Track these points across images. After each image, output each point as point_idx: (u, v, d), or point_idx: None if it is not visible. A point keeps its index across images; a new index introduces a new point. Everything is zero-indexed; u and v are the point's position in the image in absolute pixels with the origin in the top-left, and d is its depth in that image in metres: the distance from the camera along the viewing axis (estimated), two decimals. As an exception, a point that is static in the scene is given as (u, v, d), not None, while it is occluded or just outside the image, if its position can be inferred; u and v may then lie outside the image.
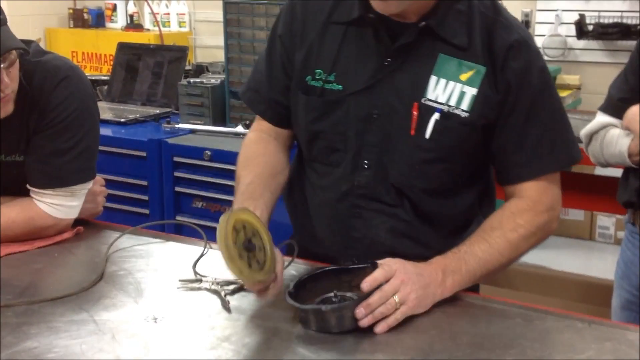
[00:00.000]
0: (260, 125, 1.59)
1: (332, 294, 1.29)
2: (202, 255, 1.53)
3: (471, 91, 1.37)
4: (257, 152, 1.54)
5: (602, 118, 1.90)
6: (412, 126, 1.38)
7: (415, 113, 1.38)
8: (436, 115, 1.38)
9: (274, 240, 1.30)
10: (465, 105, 1.37)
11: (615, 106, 1.86)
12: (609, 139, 1.86)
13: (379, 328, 1.21)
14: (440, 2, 1.37)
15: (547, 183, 1.43)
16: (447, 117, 1.38)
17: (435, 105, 1.38)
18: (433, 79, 1.38)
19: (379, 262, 1.29)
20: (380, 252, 1.38)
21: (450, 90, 1.37)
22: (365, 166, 1.43)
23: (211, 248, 1.57)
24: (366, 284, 1.22)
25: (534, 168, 1.42)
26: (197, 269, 1.46)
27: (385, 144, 1.41)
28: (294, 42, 1.48)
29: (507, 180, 1.45)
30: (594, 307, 2.80)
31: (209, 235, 1.61)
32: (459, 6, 1.38)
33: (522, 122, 1.39)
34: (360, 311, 1.20)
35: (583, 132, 1.94)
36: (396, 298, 1.23)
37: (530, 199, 1.42)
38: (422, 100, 1.38)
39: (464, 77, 1.37)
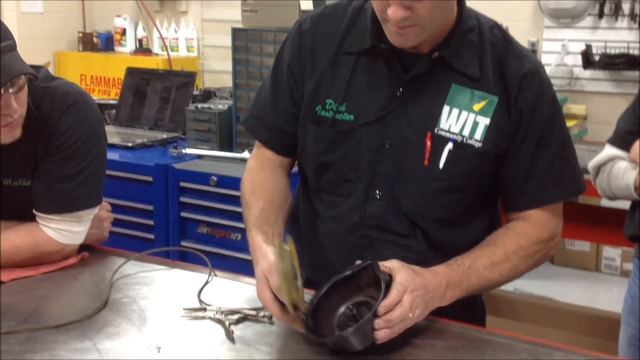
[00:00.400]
0: (262, 152, 1.58)
1: (346, 309, 1.27)
2: (206, 283, 1.52)
3: (484, 121, 1.38)
4: (265, 179, 1.53)
5: (610, 150, 1.90)
6: (426, 156, 1.39)
7: (428, 143, 1.38)
8: (450, 146, 1.38)
9: None
10: (478, 135, 1.38)
11: (624, 139, 1.86)
12: (615, 172, 1.85)
13: (382, 334, 1.20)
14: (452, 33, 1.38)
15: (552, 211, 1.45)
16: (461, 147, 1.38)
17: (448, 135, 1.38)
18: (446, 109, 1.38)
19: (388, 270, 1.26)
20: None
21: (464, 121, 1.38)
22: (377, 197, 1.43)
23: (216, 276, 1.57)
24: (384, 308, 1.21)
25: (541, 196, 1.43)
26: (201, 297, 1.46)
27: (398, 174, 1.41)
28: (303, 71, 1.47)
29: (514, 208, 1.46)
30: (601, 340, 2.77)
31: (214, 263, 1.61)
32: (471, 37, 1.39)
33: (532, 151, 1.40)
34: (379, 323, 1.19)
35: (591, 164, 1.94)
36: (410, 314, 1.23)
37: (535, 224, 1.44)
38: (436, 131, 1.39)
39: (477, 107, 1.38)
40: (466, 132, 1.38)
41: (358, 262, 1.31)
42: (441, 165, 1.38)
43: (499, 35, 1.42)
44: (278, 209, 1.46)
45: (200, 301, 1.44)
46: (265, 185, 1.50)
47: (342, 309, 1.28)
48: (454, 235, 1.46)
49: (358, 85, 1.42)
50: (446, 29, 1.37)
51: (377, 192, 1.43)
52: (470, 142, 1.38)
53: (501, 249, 1.40)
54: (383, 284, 1.23)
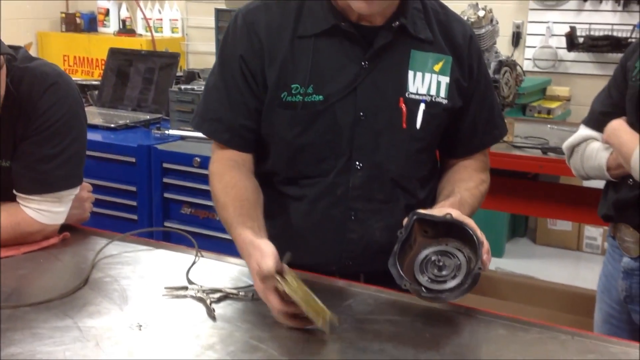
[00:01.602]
0: (223, 154, 1.54)
1: (425, 266, 1.28)
2: (193, 263, 1.53)
3: (445, 79, 1.49)
4: (234, 179, 1.49)
5: (583, 131, 1.91)
6: (403, 119, 1.46)
7: (403, 107, 1.46)
8: (422, 106, 1.48)
9: None
10: (443, 92, 1.49)
11: (597, 120, 1.87)
12: (589, 153, 1.87)
13: (488, 264, 1.27)
14: (402, 3, 1.46)
15: (487, 151, 1.65)
16: (432, 106, 1.48)
17: (418, 97, 1.48)
18: (411, 73, 1.47)
19: (450, 213, 1.30)
20: (375, 251, 1.46)
21: (429, 82, 1.48)
22: (358, 167, 1.47)
23: (202, 256, 1.57)
24: (481, 237, 1.27)
25: (485, 141, 1.62)
26: (183, 277, 1.46)
27: (376, 143, 1.47)
28: (261, 62, 1.46)
29: (459, 155, 1.59)
30: (580, 317, 2.81)
31: (198, 243, 1.61)
32: (416, 5, 1.50)
33: (479, 103, 1.56)
34: (487, 257, 1.26)
35: (565, 144, 1.96)
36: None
37: (482, 161, 1.61)
38: (407, 95, 1.47)
39: (436, 67, 1.49)
40: (433, 92, 1.49)
41: (405, 222, 1.32)
42: (418, 125, 1.47)
43: (435, 3, 1.55)
44: (255, 204, 1.46)
45: (189, 280, 1.44)
46: (236, 185, 1.48)
47: (416, 268, 1.28)
48: (429, 191, 1.56)
49: (322, 65, 1.45)
50: (397, 1, 1.45)
51: (357, 163, 1.47)
52: (438, 99, 1.49)
53: (471, 183, 1.53)
54: (466, 227, 1.27)
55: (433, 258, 1.28)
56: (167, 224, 2.94)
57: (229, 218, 1.42)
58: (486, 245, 1.26)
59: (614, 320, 1.92)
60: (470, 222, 1.29)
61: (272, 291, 1.24)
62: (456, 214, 1.30)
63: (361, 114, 1.45)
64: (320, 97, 1.45)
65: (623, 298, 1.87)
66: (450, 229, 1.30)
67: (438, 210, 1.33)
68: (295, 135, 1.47)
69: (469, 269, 1.25)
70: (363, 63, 1.45)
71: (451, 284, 1.24)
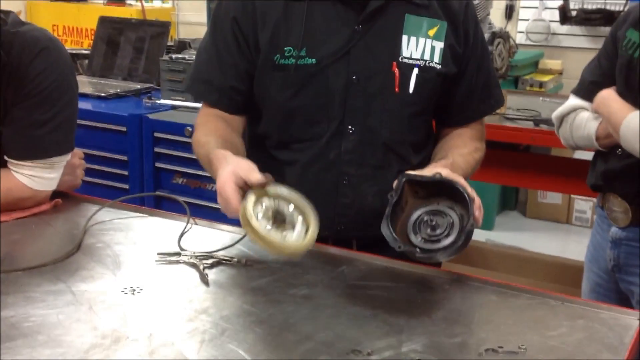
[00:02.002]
0: (210, 111, 1.54)
1: (418, 225, 1.28)
2: (186, 229, 1.53)
3: (439, 45, 1.49)
4: (220, 127, 1.50)
5: (573, 101, 1.91)
6: (396, 83, 1.46)
7: (396, 71, 1.46)
8: (416, 71, 1.47)
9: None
10: (437, 58, 1.49)
11: (587, 89, 1.87)
12: (578, 122, 1.87)
13: (480, 220, 1.26)
14: None
15: (482, 120, 1.64)
16: (425, 70, 1.48)
17: (412, 62, 1.48)
18: (404, 37, 1.47)
19: (439, 172, 1.30)
20: (368, 216, 1.46)
21: (422, 46, 1.48)
22: (350, 131, 1.47)
23: (196, 224, 1.57)
24: (472, 193, 1.26)
25: (481, 109, 1.61)
26: (175, 243, 1.46)
27: (369, 107, 1.47)
28: (254, 24, 1.46)
29: (454, 123, 1.59)
30: (568, 287, 2.84)
31: (192, 213, 1.61)
32: None
33: (475, 70, 1.56)
34: (478, 213, 1.25)
35: (554, 114, 1.96)
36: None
37: (477, 130, 1.61)
38: (400, 59, 1.47)
39: (431, 32, 1.49)
40: (427, 57, 1.48)
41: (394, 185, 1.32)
42: (411, 89, 1.47)
43: None
44: (239, 146, 1.46)
45: (181, 248, 1.44)
46: (218, 130, 1.49)
47: (410, 229, 1.28)
48: (423, 158, 1.56)
49: (315, 29, 1.45)
50: None
51: (349, 127, 1.46)
52: (432, 64, 1.49)
53: (465, 149, 1.53)
54: (456, 185, 1.26)
55: (425, 218, 1.27)
56: (158, 193, 2.94)
57: (209, 148, 1.42)
58: (477, 201, 1.26)
59: (601, 289, 1.94)
60: (460, 180, 1.28)
61: (235, 188, 1.25)
62: (446, 172, 1.29)
63: (354, 77, 1.45)
64: (313, 60, 1.44)
65: (611, 267, 1.89)
66: (441, 189, 1.30)
67: (428, 171, 1.33)
68: (288, 98, 1.47)
69: (461, 226, 1.25)
70: (356, 26, 1.45)
71: (445, 242, 1.24)
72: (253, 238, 1.24)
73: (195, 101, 1.48)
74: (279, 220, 1.27)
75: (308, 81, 1.45)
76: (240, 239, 1.44)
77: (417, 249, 1.25)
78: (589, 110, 1.86)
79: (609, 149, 1.82)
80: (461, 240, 1.23)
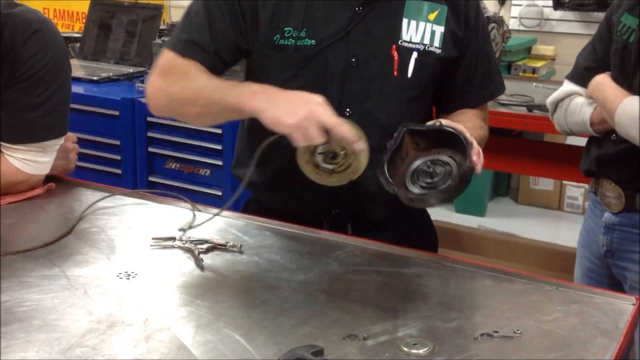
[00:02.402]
0: (188, 62, 1.44)
1: (417, 174, 1.26)
2: (192, 223, 1.48)
3: (440, 29, 1.48)
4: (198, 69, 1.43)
5: (567, 86, 1.91)
6: (395, 67, 1.45)
7: (395, 55, 1.45)
8: (415, 55, 1.47)
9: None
10: (437, 42, 1.48)
11: (582, 75, 1.87)
12: (573, 108, 1.87)
13: (480, 166, 1.25)
14: None
15: (485, 107, 1.63)
16: (425, 54, 1.47)
17: (411, 45, 1.47)
18: (405, 21, 1.46)
19: (442, 122, 1.30)
20: (364, 200, 1.46)
21: (422, 30, 1.47)
22: (347, 114, 1.46)
23: (199, 210, 1.55)
24: (470, 138, 1.25)
25: (482, 95, 1.59)
26: (171, 227, 1.46)
27: (367, 90, 1.46)
28: (255, 1, 1.44)
29: (455, 108, 1.57)
30: (561, 274, 2.85)
31: (185, 196, 1.60)
32: None
33: (475, 54, 1.55)
34: (476, 159, 1.24)
35: (549, 100, 1.96)
36: None
37: (481, 111, 1.60)
38: (399, 43, 1.46)
39: (431, 16, 1.48)
40: (427, 41, 1.47)
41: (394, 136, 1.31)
42: (410, 73, 1.46)
43: None
44: None
45: (184, 239, 1.40)
46: (206, 72, 1.43)
47: (408, 178, 1.27)
48: None
49: (316, 10, 1.44)
50: None
51: (347, 110, 1.46)
52: (431, 49, 1.48)
53: (469, 123, 1.49)
54: (454, 131, 1.25)
55: (424, 168, 1.26)
56: (151, 178, 2.93)
57: (213, 82, 1.38)
58: (476, 147, 1.25)
59: (593, 274, 1.95)
60: (458, 127, 1.27)
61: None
62: (446, 122, 1.29)
63: (353, 60, 1.45)
64: (313, 41, 1.43)
65: (604, 253, 1.90)
66: (443, 139, 1.28)
67: (429, 123, 1.32)
68: (287, 79, 1.45)
69: (459, 170, 1.22)
70: (357, 9, 1.44)
71: (441, 187, 1.22)
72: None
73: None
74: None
75: (307, 63, 1.44)
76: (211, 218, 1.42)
77: (410, 192, 1.24)
78: (583, 96, 1.86)
79: (603, 134, 1.83)
80: (455, 182, 1.21)
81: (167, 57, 1.46)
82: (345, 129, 1.24)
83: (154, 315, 1.13)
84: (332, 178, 1.32)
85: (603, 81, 1.78)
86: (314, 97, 1.26)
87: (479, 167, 1.24)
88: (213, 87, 1.38)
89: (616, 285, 1.89)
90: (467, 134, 1.26)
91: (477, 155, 1.24)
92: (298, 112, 1.23)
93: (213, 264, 1.33)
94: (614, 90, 1.74)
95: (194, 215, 1.53)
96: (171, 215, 1.54)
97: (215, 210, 1.55)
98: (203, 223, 1.44)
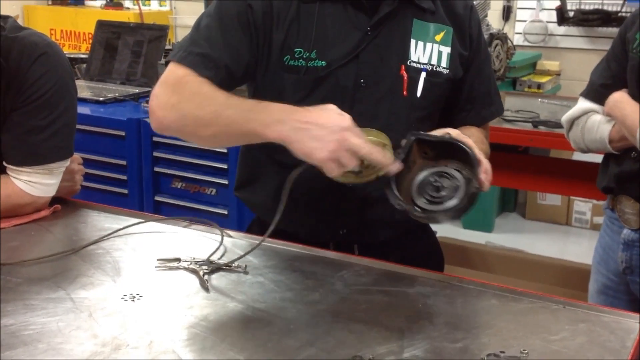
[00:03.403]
0: (195, 77, 1.37)
1: (422, 186, 1.24)
2: (218, 248, 1.47)
3: (446, 50, 1.50)
4: (212, 88, 1.36)
5: (583, 104, 1.91)
6: (404, 87, 1.47)
7: (405, 75, 1.47)
8: (424, 75, 1.48)
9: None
10: (444, 62, 1.50)
11: (597, 92, 1.87)
12: (590, 125, 1.87)
13: (488, 184, 1.23)
14: None
15: (487, 127, 1.64)
16: (433, 75, 1.49)
17: (420, 66, 1.48)
18: (413, 42, 1.48)
19: (449, 133, 1.29)
20: (372, 221, 1.45)
21: (430, 51, 1.49)
22: None
23: (230, 237, 1.53)
24: (479, 155, 1.24)
25: (483, 115, 1.60)
26: (175, 249, 1.46)
27: (376, 110, 1.46)
28: (269, 20, 1.43)
29: (455, 127, 1.53)
30: (570, 290, 2.84)
31: (191, 215, 1.60)
32: None
33: (477, 74, 1.57)
34: (485, 177, 1.22)
35: (564, 117, 1.96)
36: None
37: (484, 129, 1.62)
38: (408, 63, 1.47)
39: (438, 37, 1.50)
40: (434, 61, 1.49)
41: (403, 141, 1.29)
42: (419, 93, 1.48)
43: None
44: None
45: (211, 261, 1.39)
46: (222, 91, 1.35)
47: (414, 190, 1.25)
48: None
49: (326, 31, 1.44)
50: None
51: None
52: (439, 69, 1.50)
53: (474, 137, 1.46)
54: (463, 146, 1.24)
55: (431, 179, 1.24)
56: (157, 198, 2.94)
57: (231, 96, 1.32)
58: (485, 164, 1.23)
59: (610, 290, 1.94)
60: (468, 141, 1.26)
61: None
62: (455, 133, 1.29)
63: (362, 81, 1.45)
64: (323, 62, 1.44)
65: (622, 269, 1.89)
66: (451, 151, 1.26)
67: (439, 131, 1.31)
68: (299, 100, 1.44)
69: (466, 189, 1.21)
70: (367, 30, 1.44)
71: (448, 205, 1.21)
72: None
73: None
74: None
75: (318, 84, 1.45)
76: (246, 254, 1.40)
77: (416, 208, 1.23)
78: (600, 113, 1.86)
79: (622, 151, 1.82)
80: (463, 203, 1.20)
81: (176, 71, 1.39)
82: (378, 156, 1.22)
83: (159, 338, 1.13)
84: (359, 178, 1.28)
85: (621, 98, 1.78)
86: (343, 120, 1.21)
87: (486, 186, 1.22)
88: (233, 109, 1.29)
89: (635, 302, 1.88)
90: (477, 150, 1.24)
91: (485, 173, 1.23)
92: (328, 144, 1.18)
93: (218, 285, 1.32)
94: (633, 108, 1.74)
95: (222, 238, 1.51)
96: (176, 237, 1.53)
97: (225, 231, 1.55)
98: (242, 257, 1.40)
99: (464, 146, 1.24)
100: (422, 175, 1.26)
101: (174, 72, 1.40)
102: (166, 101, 1.37)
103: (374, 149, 1.22)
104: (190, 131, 1.37)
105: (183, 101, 1.35)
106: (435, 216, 1.23)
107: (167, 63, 1.46)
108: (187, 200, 2.87)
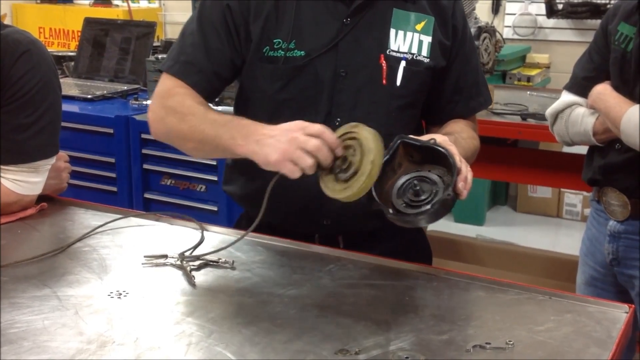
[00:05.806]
0: (187, 91, 1.46)
1: (402, 190, 1.25)
2: (200, 243, 1.47)
3: (427, 39, 1.50)
4: (198, 103, 1.43)
5: (567, 97, 1.91)
6: (383, 76, 1.47)
7: (384, 64, 1.46)
8: (403, 63, 1.48)
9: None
10: (425, 51, 1.49)
11: (580, 85, 1.88)
12: (574, 118, 1.87)
13: (465, 193, 1.23)
14: None
15: (474, 119, 1.63)
16: (413, 63, 1.48)
17: (399, 55, 1.48)
18: (392, 31, 1.48)
19: (435, 139, 1.28)
20: (354, 210, 1.42)
21: (410, 40, 1.49)
22: (337, 124, 1.45)
23: (207, 230, 1.54)
24: (459, 164, 1.24)
25: (471, 105, 1.60)
26: (161, 245, 1.45)
27: (356, 100, 1.47)
28: (247, 14, 1.46)
29: (444, 119, 1.57)
30: (560, 282, 2.85)
31: (180, 212, 1.60)
32: None
33: (463, 65, 1.56)
34: (462, 185, 1.22)
35: (548, 111, 1.96)
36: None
37: (472, 121, 1.61)
38: (387, 52, 1.47)
39: (418, 27, 1.49)
40: (414, 50, 1.49)
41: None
42: (398, 82, 1.48)
43: None
44: None
45: (198, 257, 1.39)
46: (202, 105, 1.43)
47: (394, 192, 1.26)
48: None
49: (304, 22, 1.45)
50: None
51: (337, 119, 1.46)
52: (419, 58, 1.49)
53: (464, 134, 1.51)
54: (445, 152, 1.24)
55: (414, 183, 1.25)
56: (147, 195, 2.93)
57: (210, 114, 1.38)
58: (464, 172, 1.24)
59: (597, 282, 1.95)
60: (451, 148, 1.26)
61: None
62: (441, 139, 1.28)
63: (341, 70, 1.46)
64: (302, 52, 1.45)
65: (609, 261, 1.89)
66: (437, 156, 1.27)
67: (427, 136, 1.31)
68: (277, 90, 1.47)
69: (441, 196, 1.22)
70: (345, 20, 1.45)
71: (422, 209, 1.22)
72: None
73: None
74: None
75: (297, 74, 1.45)
76: (227, 247, 1.40)
77: (390, 210, 1.23)
78: (583, 106, 1.86)
79: (607, 143, 1.83)
80: (434, 208, 1.21)
81: (166, 82, 1.48)
82: (324, 150, 1.23)
83: (145, 335, 1.13)
84: (349, 187, 1.24)
85: (604, 91, 1.78)
86: (295, 124, 1.26)
87: (464, 194, 1.24)
88: (207, 125, 1.37)
89: (622, 293, 1.89)
90: (458, 158, 1.25)
91: (463, 182, 1.23)
92: (280, 146, 1.24)
93: (205, 281, 1.32)
94: (616, 100, 1.74)
95: (202, 233, 1.52)
96: (162, 233, 1.53)
97: (211, 227, 1.55)
98: (221, 249, 1.40)
99: (445, 152, 1.25)
100: (404, 179, 1.27)
101: (163, 83, 1.49)
102: (157, 114, 1.47)
103: (319, 143, 1.22)
104: (176, 144, 1.48)
105: (168, 115, 1.44)
106: (407, 219, 1.24)
107: (160, 72, 1.54)
108: (176, 197, 2.86)
